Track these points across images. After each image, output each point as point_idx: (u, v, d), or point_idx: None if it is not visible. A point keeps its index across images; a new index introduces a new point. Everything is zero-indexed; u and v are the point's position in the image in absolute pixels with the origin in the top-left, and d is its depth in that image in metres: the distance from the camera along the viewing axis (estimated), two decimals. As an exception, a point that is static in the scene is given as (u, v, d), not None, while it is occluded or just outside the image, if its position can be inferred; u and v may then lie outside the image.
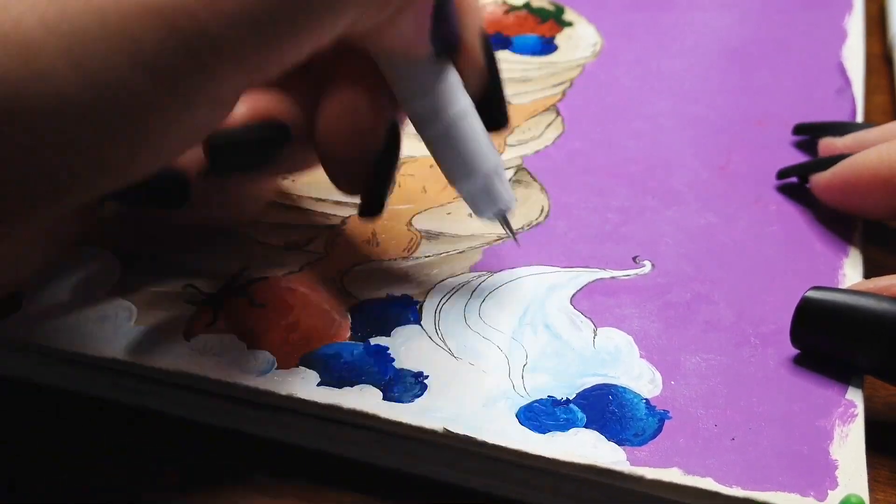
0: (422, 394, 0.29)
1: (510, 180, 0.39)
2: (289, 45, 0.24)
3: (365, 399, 0.29)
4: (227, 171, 0.30)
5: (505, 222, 0.33)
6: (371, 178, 0.31)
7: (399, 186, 0.38)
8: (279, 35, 0.24)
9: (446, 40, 0.30)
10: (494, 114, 0.32)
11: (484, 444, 0.28)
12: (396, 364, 0.30)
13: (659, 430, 0.28)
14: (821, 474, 0.27)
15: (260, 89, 0.30)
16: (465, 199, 0.32)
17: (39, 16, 0.21)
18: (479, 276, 0.34)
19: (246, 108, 0.29)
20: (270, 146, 0.30)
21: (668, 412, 0.29)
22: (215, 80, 0.24)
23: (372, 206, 0.32)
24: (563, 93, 0.45)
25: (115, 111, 0.22)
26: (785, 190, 0.39)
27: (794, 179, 0.39)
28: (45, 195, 0.24)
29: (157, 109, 0.23)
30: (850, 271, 0.35)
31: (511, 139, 0.41)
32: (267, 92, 0.30)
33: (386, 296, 0.33)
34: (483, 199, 0.32)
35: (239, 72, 0.24)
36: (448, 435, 0.28)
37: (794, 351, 0.31)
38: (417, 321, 0.32)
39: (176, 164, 0.29)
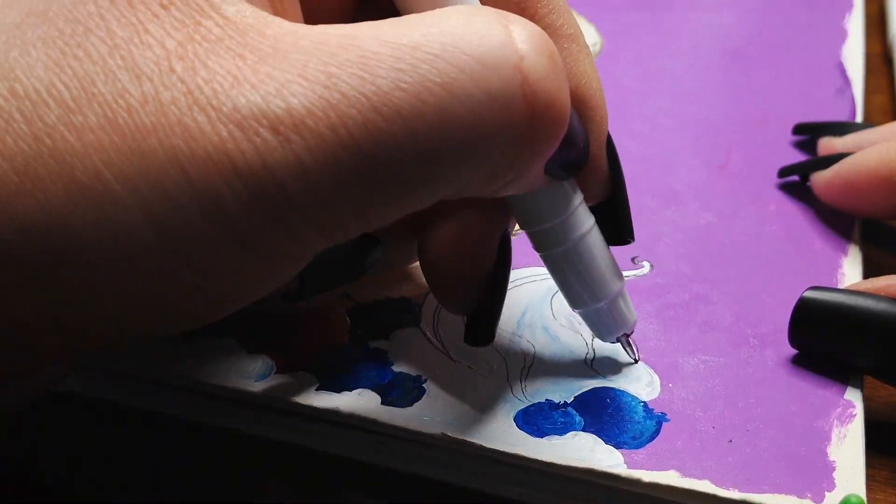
0: (420, 397, 0.29)
1: None
2: (377, 215, 0.23)
3: (363, 403, 0.29)
4: (316, 293, 0.28)
5: (627, 344, 0.31)
6: (481, 301, 0.29)
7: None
8: (369, 205, 0.22)
9: (570, 167, 0.27)
10: (618, 227, 0.30)
11: (482, 449, 0.28)
12: (395, 367, 0.30)
13: (657, 432, 0.28)
14: (818, 476, 0.27)
15: None
16: (586, 321, 0.30)
17: (118, 171, 0.20)
18: (478, 279, 0.34)
19: None
20: (360, 260, 0.28)
21: (666, 414, 0.29)
22: (297, 242, 0.22)
23: (480, 333, 0.30)
24: (563, 93, 0.45)
25: (190, 266, 0.21)
26: (784, 189, 0.39)
27: (795, 178, 0.39)
28: (113, 336, 0.23)
29: (233, 266, 0.22)
30: (850, 270, 0.35)
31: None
32: None
33: (384, 298, 0.33)
34: (606, 324, 0.30)
35: (323, 235, 0.22)
36: (446, 439, 0.28)
37: (793, 351, 0.31)
38: (416, 323, 0.32)
39: None
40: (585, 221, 0.28)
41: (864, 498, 0.26)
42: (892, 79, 0.49)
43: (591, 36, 0.49)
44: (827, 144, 0.39)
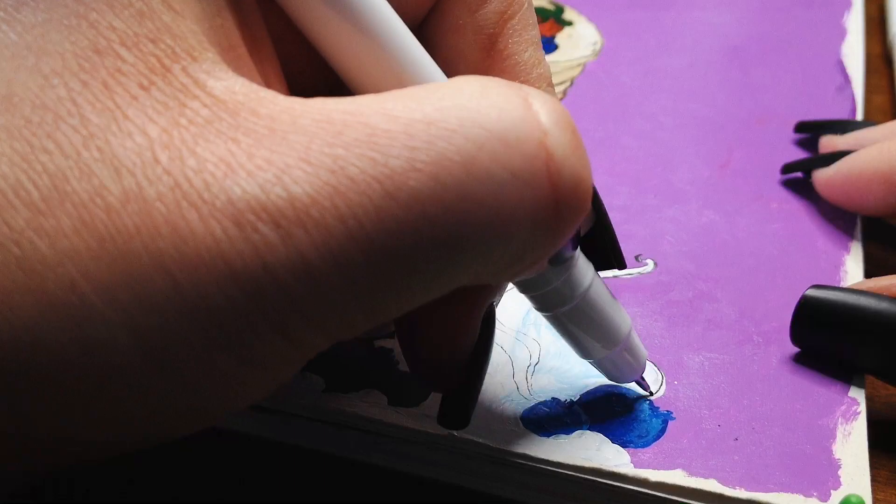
0: (427, 397, 0.29)
1: None
2: (387, 312, 0.20)
3: (370, 404, 0.29)
4: None
5: (642, 381, 0.30)
6: (458, 381, 0.27)
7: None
8: (380, 303, 0.20)
9: (578, 242, 0.25)
10: (607, 254, 0.27)
11: (488, 449, 0.28)
12: (401, 367, 0.30)
13: (662, 431, 0.28)
14: (824, 474, 0.27)
15: None
16: (602, 368, 0.29)
17: (96, 281, 0.18)
18: (482, 277, 0.34)
19: None
20: None
21: (672, 413, 0.29)
22: (299, 349, 0.20)
23: (456, 416, 0.28)
24: (564, 92, 0.45)
25: (177, 383, 0.19)
26: (786, 187, 0.39)
27: (798, 174, 0.39)
28: (86, 453, 0.20)
29: (226, 379, 0.19)
30: (852, 268, 0.35)
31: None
32: None
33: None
34: (624, 366, 0.29)
35: (327, 338, 0.20)
36: (453, 439, 0.28)
37: (797, 349, 0.31)
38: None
39: None
40: (587, 273, 0.26)
41: (870, 496, 0.26)
42: (893, 79, 0.49)
43: (591, 35, 0.49)
44: (828, 142, 0.39)
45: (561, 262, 0.25)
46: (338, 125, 0.19)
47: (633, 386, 0.30)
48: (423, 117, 0.19)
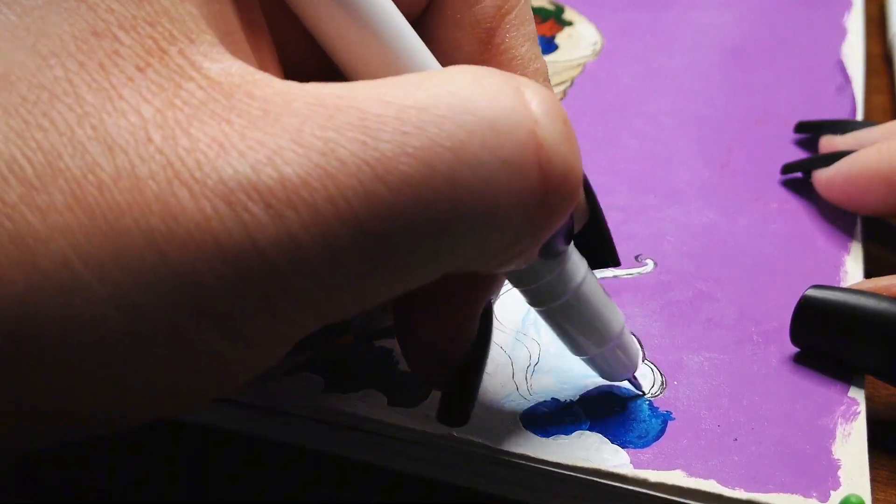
0: (426, 397, 0.29)
1: None
2: (377, 294, 0.20)
3: (370, 404, 0.29)
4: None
5: (635, 380, 0.30)
6: (459, 379, 0.28)
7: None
8: (369, 285, 0.20)
9: (570, 237, 0.25)
10: (601, 252, 0.28)
11: (488, 449, 0.28)
12: (401, 367, 0.30)
13: (662, 431, 0.28)
14: (823, 474, 0.27)
15: None
16: (594, 366, 0.29)
17: (87, 256, 0.18)
18: (482, 278, 0.34)
19: None
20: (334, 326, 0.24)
21: (671, 413, 0.29)
22: (288, 327, 0.20)
23: (454, 413, 0.28)
24: (564, 92, 0.45)
25: (165, 359, 0.19)
26: (786, 187, 0.39)
27: (798, 174, 0.39)
28: (71, 427, 0.20)
29: (215, 357, 0.19)
30: (852, 268, 0.35)
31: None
32: None
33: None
34: (616, 364, 0.28)
35: (317, 318, 0.20)
36: (452, 439, 0.28)
37: (797, 349, 0.31)
38: (421, 323, 0.32)
39: None
40: (580, 268, 0.26)
41: (870, 496, 0.26)
42: (892, 79, 0.49)
43: (591, 35, 0.49)
44: (828, 142, 0.39)
45: (553, 256, 0.25)
46: (330, 108, 0.19)
47: (628, 385, 0.30)
48: (415, 103, 0.19)
